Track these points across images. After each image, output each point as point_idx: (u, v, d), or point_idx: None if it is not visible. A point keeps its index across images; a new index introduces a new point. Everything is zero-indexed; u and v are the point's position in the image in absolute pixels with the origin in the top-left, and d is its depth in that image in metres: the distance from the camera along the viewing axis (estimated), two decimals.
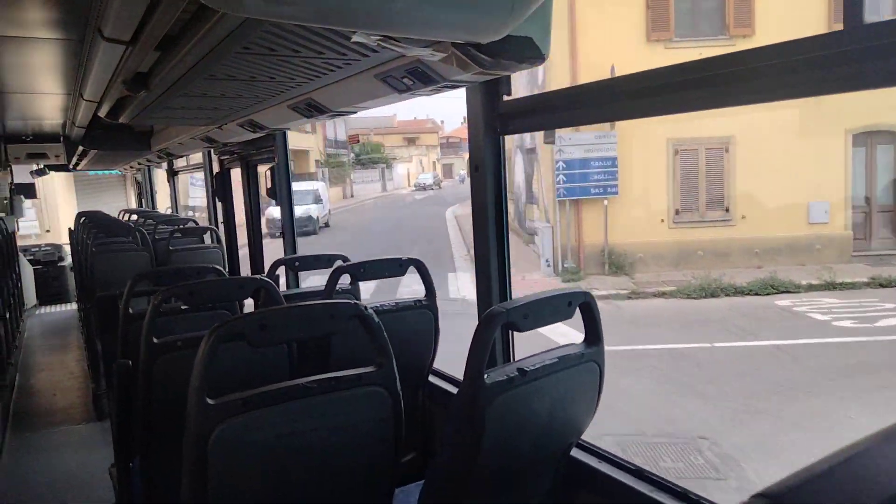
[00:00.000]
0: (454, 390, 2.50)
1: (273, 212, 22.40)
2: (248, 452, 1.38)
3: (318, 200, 25.91)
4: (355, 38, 1.37)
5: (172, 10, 1.61)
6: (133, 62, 2.14)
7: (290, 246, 3.86)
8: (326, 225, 26.86)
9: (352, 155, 45.90)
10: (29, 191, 10.20)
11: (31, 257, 10.72)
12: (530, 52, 1.41)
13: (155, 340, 2.12)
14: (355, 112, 2.47)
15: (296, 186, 25.37)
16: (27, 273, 10.16)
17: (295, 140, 31.30)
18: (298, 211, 20.23)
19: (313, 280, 4.68)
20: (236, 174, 5.03)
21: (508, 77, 1.99)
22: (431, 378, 2.57)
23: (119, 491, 2.91)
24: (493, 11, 1.19)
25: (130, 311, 2.61)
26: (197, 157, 6.19)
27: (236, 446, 1.36)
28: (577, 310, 1.52)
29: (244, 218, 4.89)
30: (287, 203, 3.88)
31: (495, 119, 2.05)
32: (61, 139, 7.25)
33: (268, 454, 1.40)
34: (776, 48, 1.30)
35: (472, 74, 1.56)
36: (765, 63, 1.32)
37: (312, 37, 1.52)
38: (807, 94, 1.30)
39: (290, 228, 3.88)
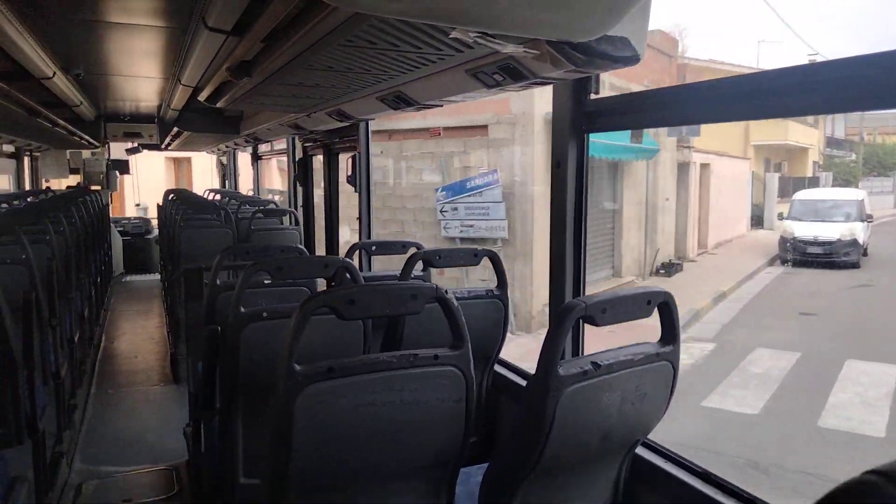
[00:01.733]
0: (518, 380, 2.54)
1: (793, 228, 16.74)
2: (329, 416, 1.47)
3: (862, 217, 17.80)
4: (454, 34, 1.42)
5: (284, 4, 1.73)
6: (240, 50, 2.29)
7: (366, 230, 3.99)
8: (865, 253, 17.79)
9: (853, 156, 35.30)
10: (123, 167, 10.88)
11: (121, 229, 11.43)
12: (625, 51, 1.43)
13: (243, 310, 2.27)
14: (441, 105, 2.55)
15: (820, 194, 19.06)
16: (117, 243, 10.84)
17: (790, 133, 25.26)
18: (826, 230, 16.68)
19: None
20: (317, 161, 5.22)
21: (597, 75, 2.01)
22: (497, 367, 2.62)
23: (194, 448, 3.11)
24: (592, 11, 1.22)
25: (218, 282, 2.78)
26: (280, 143, 6.45)
27: (318, 410, 1.45)
28: (656, 309, 1.54)
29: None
30: (366, 191, 4.01)
31: (581, 117, 2.07)
32: (156, 120, 7.71)
33: (346, 420, 1.48)
34: (885, 56, 1.28)
35: (563, 72, 1.59)
36: (869, 71, 1.30)
37: (413, 31, 1.59)
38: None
39: (367, 213, 4.01)
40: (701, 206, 18.81)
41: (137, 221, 12.03)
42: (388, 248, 3.19)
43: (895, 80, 1.27)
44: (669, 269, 15.78)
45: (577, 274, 2.19)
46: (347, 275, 2.44)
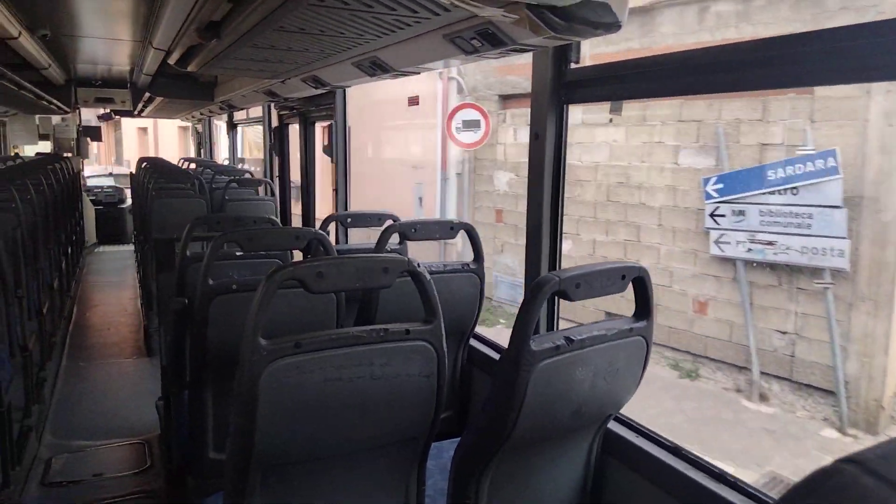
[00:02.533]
0: (494, 354, 2.53)
1: None
2: (296, 392, 1.43)
3: None
4: None
5: None
6: (207, 10, 2.19)
7: (343, 202, 3.93)
8: None
9: None
10: (95, 133, 10.59)
11: (94, 198, 11.17)
12: (606, 17, 1.38)
13: (211, 282, 2.21)
14: (418, 73, 2.48)
15: None
16: (89, 212, 10.61)
17: None
18: None
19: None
20: (294, 131, 5.11)
21: (578, 44, 1.95)
22: (472, 342, 2.61)
23: (165, 422, 3.07)
24: None
25: (188, 253, 2.72)
26: (256, 111, 6.30)
27: (285, 385, 1.41)
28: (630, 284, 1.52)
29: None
30: (343, 161, 3.93)
31: (561, 87, 2.02)
32: (128, 85, 7.50)
33: (314, 396, 1.45)
34: (873, 26, 1.24)
35: (542, 39, 1.53)
36: (855, 41, 1.26)
37: None
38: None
39: (343, 184, 3.94)
40: None
41: (111, 190, 11.77)
42: (363, 219, 3.14)
43: None
44: None
45: (553, 248, 2.16)
46: (322, 247, 2.39)
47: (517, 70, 9.45)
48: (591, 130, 8.76)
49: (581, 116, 8.76)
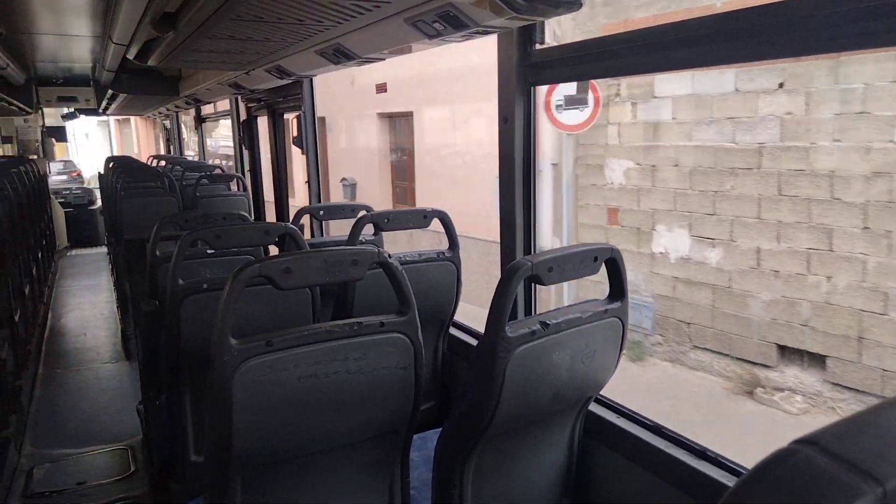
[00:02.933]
0: (474, 342, 2.52)
1: None
2: (270, 391, 1.41)
3: None
4: None
5: None
6: (161, 2, 2.12)
7: (316, 195, 3.87)
8: None
9: None
10: (59, 134, 10.34)
11: (63, 200, 10.94)
12: None
13: (181, 282, 2.16)
14: (383, 59, 2.43)
15: None
16: (58, 215, 10.39)
17: None
18: None
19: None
20: (263, 123, 5.02)
21: (542, 24, 1.92)
22: (452, 330, 2.59)
23: (146, 427, 3.02)
24: None
25: (158, 253, 2.66)
26: (224, 105, 6.19)
27: (259, 385, 1.39)
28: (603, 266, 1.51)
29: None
30: (313, 152, 3.87)
31: (527, 69, 1.99)
32: (91, 83, 7.31)
33: (289, 393, 1.43)
34: None
35: (505, 20, 1.51)
36: (818, 12, 1.25)
37: None
38: (855, 46, 1.23)
39: (316, 177, 3.88)
40: None
41: (79, 192, 11.54)
42: (336, 212, 3.10)
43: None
44: None
45: (527, 232, 2.15)
46: (294, 242, 2.35)
47: (632, 25, 6.23)
48: (750, 99, 6.20)
49: (733, 82, 6.31)
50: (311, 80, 3.73)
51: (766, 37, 1.38)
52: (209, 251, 2.63)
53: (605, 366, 1.62)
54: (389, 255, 1.56)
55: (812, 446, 0.43)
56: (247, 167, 5.46)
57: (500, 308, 1.39)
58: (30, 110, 8.40)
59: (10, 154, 9.81)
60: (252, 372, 1.37)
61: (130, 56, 3.22)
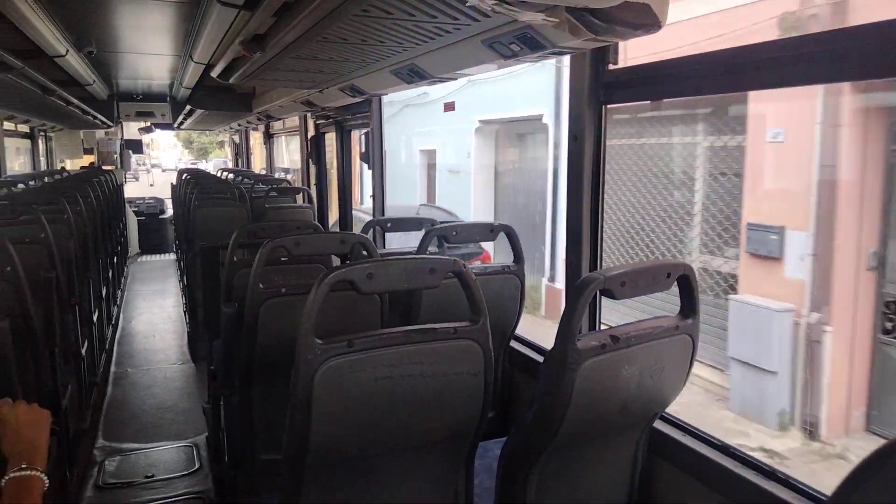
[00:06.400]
0: (535, 356, 2.54)
1: None
2: (348, 390, 1.47)
3: None
4: (470, 2, 1.39)
5: None
6: (252, 24, 2.26)
7: (380, 209, 3.99)
8: None
9: None
10: (137, 147, 10.92)
11: (136, 209, 11.52)
12: (646, 19, 1.39)
13: (261, 287, 2.27)
14: (455, 79, 2.51)
15: None
16: (132, 223, 10.94)
17: None
18: None
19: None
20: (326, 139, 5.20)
21: (616, 45, 1.96)
22: (513, 343, 2.62)
23: (212, 425, 3.15)
24: None
25: (235, 259, 2.80)
26: (292, 122, 6.44)
27: (338, 384, 1.45)
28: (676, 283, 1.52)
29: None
30: (379, 167, 4.00)
31: (599, 89, 2.03)
32: (168, 99, 7.72)
33: (366, 394, 1.49)
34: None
35: (581, 41, 1.55)
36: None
37: (429, 0, 1.56)
38: None
39: (380, 190, 4.00)
40: None
41: (152, 201, 12.11)
42: (403, 224, 3.19)
43: None
44: None
45: (594, 249, 2.17)
46: (364, 252, 2.44)
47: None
48: None
49: None
50: (381, 99, 3.86)
51: (845, 61, 1.39)
52: (283, 259, 2.75)
53: (674, 383, 1.62)
54: (465, 265, 1.62)
55: None
56: (312, 180, 5.65)
57: (572, 320, 1.42)
58: (111, 124, 8.93)
59: (91, 163, 10.44)
60: (333, 371, 1.44)
61: (214, 74, 3.42)
